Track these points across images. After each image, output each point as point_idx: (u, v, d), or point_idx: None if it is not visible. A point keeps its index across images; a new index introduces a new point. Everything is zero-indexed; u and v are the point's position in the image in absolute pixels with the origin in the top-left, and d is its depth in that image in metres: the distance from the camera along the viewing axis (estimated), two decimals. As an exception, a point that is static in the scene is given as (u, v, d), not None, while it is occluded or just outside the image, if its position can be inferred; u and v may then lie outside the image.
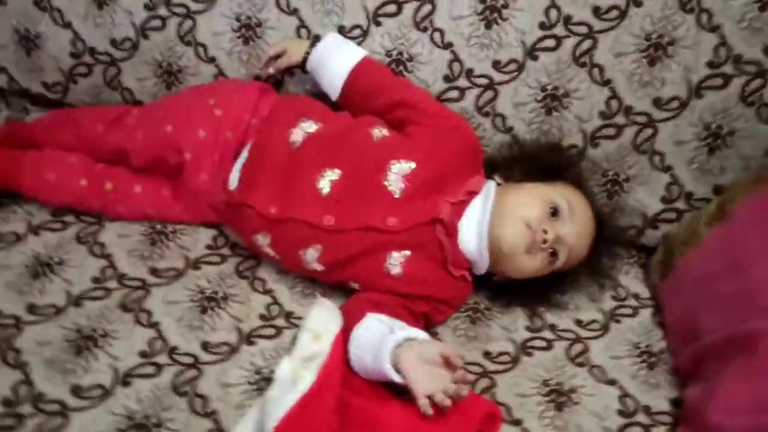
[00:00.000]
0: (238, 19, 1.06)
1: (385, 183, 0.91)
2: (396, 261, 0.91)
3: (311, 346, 0.83)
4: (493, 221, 0.93)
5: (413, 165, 0.92)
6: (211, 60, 1.08)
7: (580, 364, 0.93)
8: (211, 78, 1.09)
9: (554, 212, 0.94)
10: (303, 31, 1.05)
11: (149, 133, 0.99)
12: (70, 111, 1.09)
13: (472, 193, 0.94)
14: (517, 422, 0.85)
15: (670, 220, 1.07)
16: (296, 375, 0.80)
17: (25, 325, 0.88)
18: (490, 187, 0.96)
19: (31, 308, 0.91)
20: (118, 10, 1.08)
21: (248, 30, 1.06)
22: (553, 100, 1.03)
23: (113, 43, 1.10)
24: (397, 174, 0.91)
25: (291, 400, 0.77)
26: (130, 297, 0.93)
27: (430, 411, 0.77)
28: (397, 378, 0.80)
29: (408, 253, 0.91)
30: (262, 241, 0.95)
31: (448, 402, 0.77)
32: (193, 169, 0.98)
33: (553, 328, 0.98)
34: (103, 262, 0.98)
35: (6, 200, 1.03)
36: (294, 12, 1.05)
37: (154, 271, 0.97)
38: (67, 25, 1.10)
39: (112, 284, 0.95)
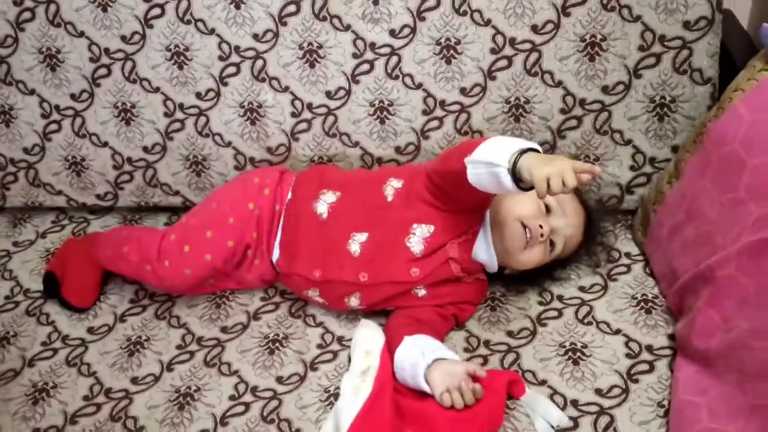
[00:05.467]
0: (241, 106, 1.26)
1: (408, 244, 1.07)
2: (421, 288, 1.10)
3: (364, 361, 1.03)
4: (493, 228, 1.10)
5: (432, 228, 1.07)
6: (228, 144, 1.28)
7: (589, 323, 1.10)
8: (232, 159, 1.29)
9: (547, 209, 1.10)
10: (297, 103, 1.25)
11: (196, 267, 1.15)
12: (120, 249, 1.19)
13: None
14: (543, 382, 1.03)
15: (642, 184, 1.24)
16: (356, 387, 0.99)
17: (133, 395, 1.09)
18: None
19: (135, 380, 1.11)
20: (143, 122, 1.29)
21: (252, 113, 1.26)
22: (517, 108, 1.21)
23: (145, 149, 1.31)
24: (419, 237, 1.07)
25: (356, 408, 0.96)
26: (211, 354, 1.13)
27: (448, 403, 0.95)
28: (429, 390, 0.98)
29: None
30: (312, 294, 1.15)
31: (458, 397, 0.94)
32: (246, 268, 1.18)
33: (560, 298, 1.16)
34: (182, 330, 1.18)
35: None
36: (286, 89, 1.24)
37: (224, 329, 1.17)
38: (105, 145, 1.31)
39: (194, 347, 1.15)
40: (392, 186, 1.12)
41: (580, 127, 1.21)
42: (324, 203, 1.14)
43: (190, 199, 1.34)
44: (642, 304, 1.12)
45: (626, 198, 1.25)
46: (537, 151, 0.92)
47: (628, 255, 1.21)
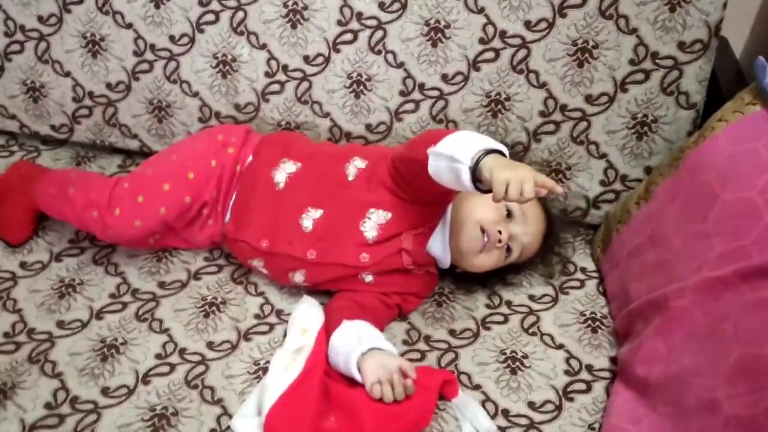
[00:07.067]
0: (215, 57, 1.21)
1: (362, 228, 1.03)
2: (369, 274, 1.06)
3: (299, 339, 0.99)
4: (452, 226, 1.06)
5: (389, 215, 1.04)
6: (195, 94, 1.23)
7: (533, 333, 1.08)
8: (197, 110, 1.24)
9: (509, 214, 1.07)
10: (273, 63, 1.20)
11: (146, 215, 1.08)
12: (65, 190, 1.11)
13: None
14: (477, 387, 1.00)
15: (609, 200, 1.21)
16: (287, 365, 0.95)
17: (57, 339, 1.04)
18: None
19: (61, 324, 1.06)
20: (110, 58, 1.23)
21: (225, 66, 1.21)
22: (497, 104, 1.17)
23: (109, 86, 1.25)
24: (374, 222, 1.03)
25: (283, 386, 0.93)
26: (144, 308, 1.09)
27: (378, 395, 0.92)
28: (360, 379, 0.95)
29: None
30: (257, 264, 1.10)
31: (388, 391, 0.91)
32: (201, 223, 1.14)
33: (509, 304, 1.13)
34: (118, 279, 1.13)
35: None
36: (264, 47, 1.19)
37: (161, 284, 1.13)
38: (68, 74, 1.25)
39: (128, 298, 1.10)
40: (355, 165, 1.08)
41: (557, 132, 1.18)
42: (283, 172, 1.10)
43: (147, 144, 1.29)
44: (589, 322, 1.10)
45: (591, 212, 1.23)
46: (503, 154, 0.88)
47: (583, 270, 1.18)
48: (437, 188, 0.94)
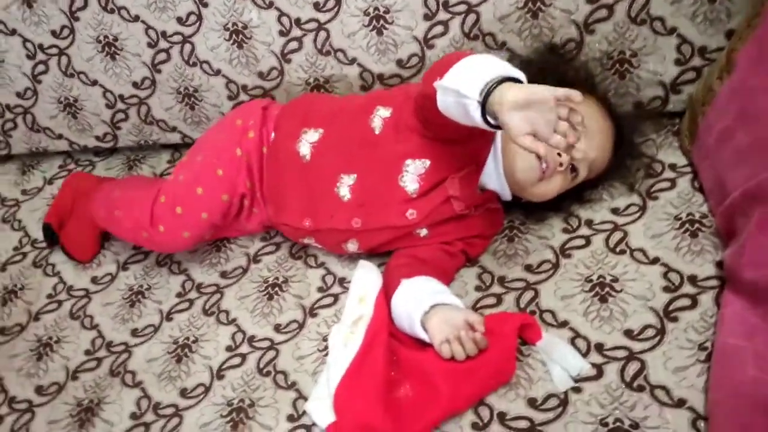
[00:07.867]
0: (226, 28, 1.13)
1: (401, 183, 0.94)
2: (422, 229, 0.97)
3: (357, 309, 0.92)
4: (504, 155, 0.95)
5: (427, 163, 0.93)
6: (218, 72, 1.17)
7: (621, 252, 0.95)
8: (224, 89, 1.18)
9: None
10: (285, 20, 1.11)
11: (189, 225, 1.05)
12: (112, 213, 1.10)
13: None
14: (564, 324, 0.89)
15: (690, 80, 1.04)
16: (346, 339, 0.89)
17: (133, 348, 1.04)
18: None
19: (135, 332, 1.06)
20: (128, 56, 1.19)
21: (238, 35, 1.13)
22: (534, 2, 1.02)
23: (135, 85, 1.21)
24: (413, 174, 0.94)
25: (346, 363, 0.86)
26: (210, 302, 1.06)
27: (448, 354, 0.84)
28: (429, 340, 0.87)
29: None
30: (309, 241, 1.04)
31: (458, 348, 0.83)
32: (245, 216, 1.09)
33: (590, 223, 1.00)
34: (183, 277, 1.11)
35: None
36: (271, 5, 1.10)
37: (223, 274, 1.09)
38: (95, 83, 1.23)
39: (193, 294, 1.08)
40: (380, 116, 0.98)
41: (612, 17, 1.02)
42: (306, 143, 1.01)
43: (187, 134, 1.25)
44: (687, 225, 0.95)
45: (672, 98, 1.06)
46: (520, 81, 0.75)
47: (672, 167, 1.02)
48: (462, 125, 0.82)
